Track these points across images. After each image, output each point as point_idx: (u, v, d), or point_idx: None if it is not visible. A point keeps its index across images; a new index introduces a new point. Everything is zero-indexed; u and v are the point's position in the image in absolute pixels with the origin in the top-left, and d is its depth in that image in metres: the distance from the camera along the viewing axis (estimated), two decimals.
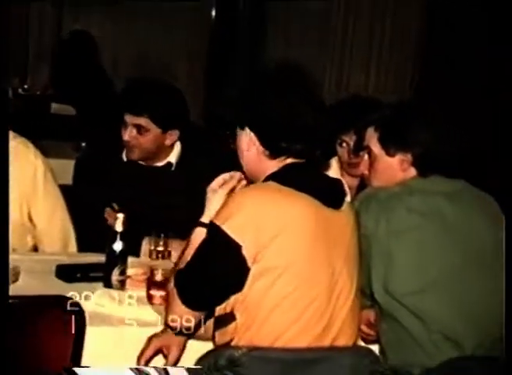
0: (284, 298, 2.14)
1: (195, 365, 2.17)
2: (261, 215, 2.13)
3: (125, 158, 3.29)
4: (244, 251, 2.11)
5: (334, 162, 3.44)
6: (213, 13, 8.05)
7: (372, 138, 2.56)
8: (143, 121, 3.17)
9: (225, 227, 2.12)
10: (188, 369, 2.10)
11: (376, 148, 2.55)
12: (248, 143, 2.29)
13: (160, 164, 3.32)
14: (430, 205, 2.43)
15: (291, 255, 2.15)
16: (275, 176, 2.24)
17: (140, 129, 3.18)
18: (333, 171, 3.43)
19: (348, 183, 3.36)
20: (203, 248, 2.19)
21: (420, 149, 2.49)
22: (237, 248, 2.11)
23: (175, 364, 2.25)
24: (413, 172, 2.51)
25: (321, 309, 2.18)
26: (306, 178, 2.25)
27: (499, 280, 2.41)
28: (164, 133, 3.22)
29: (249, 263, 2.12)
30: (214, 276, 2.17)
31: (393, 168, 2.52)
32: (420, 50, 7.18)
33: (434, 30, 6.77)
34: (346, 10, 7.55)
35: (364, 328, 2.57)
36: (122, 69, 8.01)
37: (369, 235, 2.39)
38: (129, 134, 3.18)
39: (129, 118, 3.19)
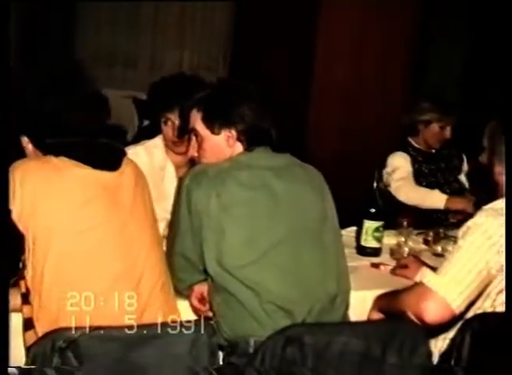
0: (60, 264, 2.20)
1: (29, 351, 2.12)
2: (27, 184, 2.22)
3: None
4: (13, 216, 2.20)
5: (159, 140, 3.44)
6: None
7: (196, 119, 2.59)
8: None
9: None
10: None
11: (201, 128, 2.58)
12: (24, 141, 2.39)
13: None
14: (258, 178, 2.48)
15: (58, 219, 2.23)
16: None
17: None
18: (159, 149, 3.43)
19: (176, 160, 3.40)
20: None
21: (243, 124, 2.54)
22: (9, 212, 2.19)
23: None
24: (240, 147, 2.56)
25: (111, 268, 2.27)
26: (76, 148, 2.32)
27: (327, 249, 2.51)
28: None
29: (21, 228, 2.20)
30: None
31: (220, 145, 2.56)
32: (231, 28, 7.29)
33: (243, 8, 6.91)
34: None
35: (195, 302, 2.62)
36: None
37: (200, 211, 2.42)
38: None
39: None
